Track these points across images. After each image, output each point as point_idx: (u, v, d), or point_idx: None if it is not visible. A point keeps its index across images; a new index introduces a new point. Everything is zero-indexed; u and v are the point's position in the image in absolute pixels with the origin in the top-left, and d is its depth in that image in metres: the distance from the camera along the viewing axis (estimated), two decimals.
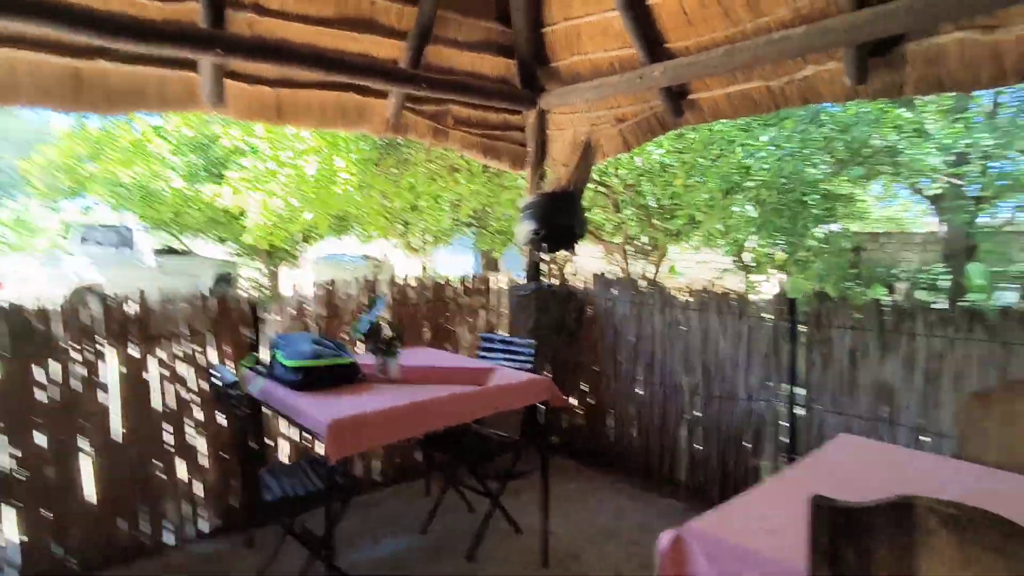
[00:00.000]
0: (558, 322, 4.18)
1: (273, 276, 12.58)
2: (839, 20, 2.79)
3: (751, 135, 5.63)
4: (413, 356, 3.07)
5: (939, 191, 7.99)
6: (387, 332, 2.72)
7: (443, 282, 4.12)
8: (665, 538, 1.32)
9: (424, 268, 16.12)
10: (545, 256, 4.62)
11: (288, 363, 2.52)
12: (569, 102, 4.12)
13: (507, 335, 4.12)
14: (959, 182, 6.21)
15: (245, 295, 3.21)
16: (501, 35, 4.03)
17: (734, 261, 9.05)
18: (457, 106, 4.26)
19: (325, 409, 2.21)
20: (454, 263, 22.09)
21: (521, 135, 4.74)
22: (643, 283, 4.11)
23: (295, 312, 3.43)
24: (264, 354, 3.05)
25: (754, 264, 7.81)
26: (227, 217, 9.85)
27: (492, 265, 19.26)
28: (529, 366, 3.16)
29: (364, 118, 3.92)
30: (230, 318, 3.16)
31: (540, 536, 2.88)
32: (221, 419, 3.08)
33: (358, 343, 3.32)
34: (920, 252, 12.19)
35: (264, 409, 2.90)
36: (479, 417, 2.59)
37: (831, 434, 3.05)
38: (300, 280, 13.99)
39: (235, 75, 3.28)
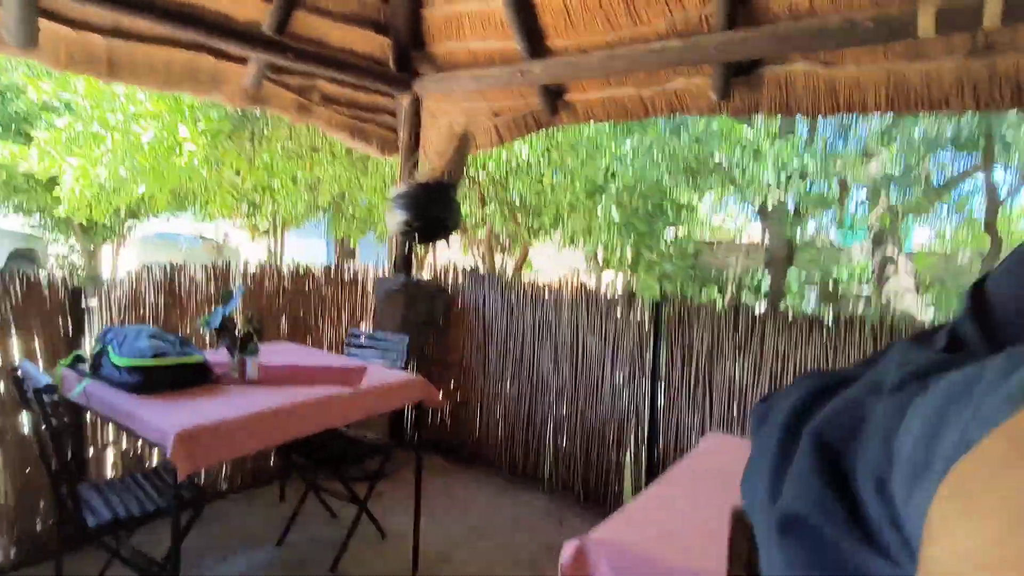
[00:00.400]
0: (427, 318, 4.05)
1: (91, 256, 10.99)
2: (712, 38, 2.95)
3: (616, 140, 5.90)
4: (273, 353, 2.79)
5: (767, 205, 9.00)
6: (244, 326, 2.43)
7: (304, 272, 3.81)
8: (567, 550, 1.28)
9: (271, 253, 15.04)
10: (416, 248, 4.46)
11: (122, 362, 2.15)
12: (446, 90, 4.00)
13: (373, 330, 3.92)
14: (785, 198, 7.02)
15: (61, 275, 2.70)
16: (376, 11, 3.80)
17: (587, 259, 9.48)
18: (325, 81, 3.96)
19: (170, 416, 1.92)
20: (305, 248, 20.88)
21: (391, 119, 4.53)
22: (508, 278, 4.12)
23: (126, 299, 2.96)
24: (88, 350, 2.60)
25: (604, 263, 8.23)
26: (32, 183, 8.39)
27: (348, 253, 18.48)
28: (401, 363, 3.01)
29: (218, 84, 3.50)
30: (41, 306, 2.64)
31: (411, 540, 2.76)
32: (26, 427, 2.57)
33: (209, 338, 2.95)
34: (744, 258, 13.71)
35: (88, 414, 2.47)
36: (351, 422, 2.41)
37: (688, 430, 3.26)
38: (125, 261, 12.37)
39: (53, 15, 2.75)
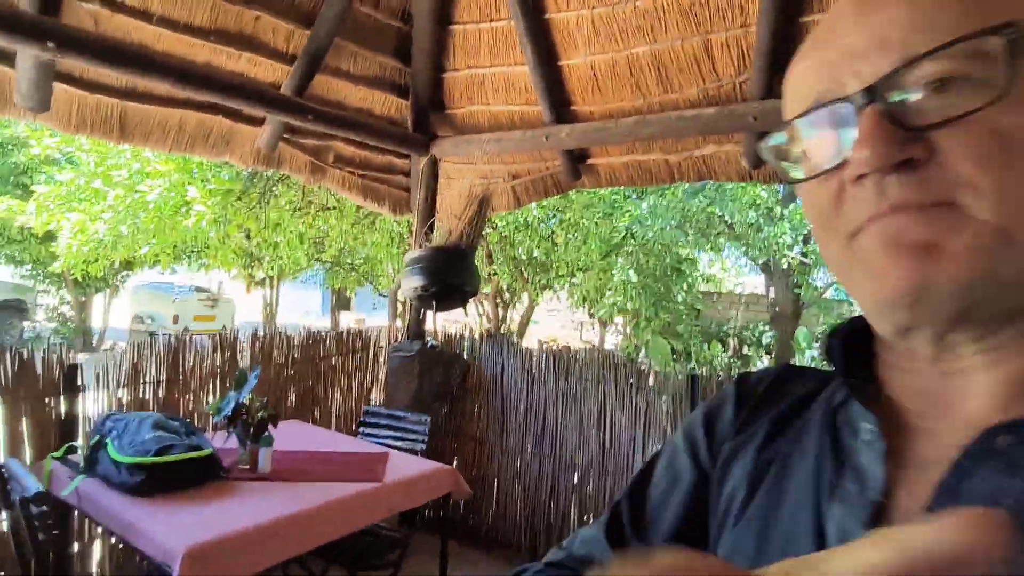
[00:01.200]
0: (441, 388, 3.84)
1: (82, 307, 10.72)
2: (750, 107, 2.86)
3: (632, 201, 5.83)
4: (283, 436, 2.56)
5: (771, 262, 8.95)
6: (256, 412, 2.22)
7: (315, 339, 3.61)
8: None
9: (266, 303, 14.81)
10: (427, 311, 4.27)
11: (123, 459, 1.92)
12: (465, 152, 3.90)
13: (385, 404, 3.70)
14: (803, 258, 6.95)
15: (56, 352, 2.49)
16: (397, 73, 3.72)
17: (590, 314, 9.29)
18: (340, 143, 3.85)
19: (176, 528, 1.68)
20: (300, 299, 20.64)
21: (405, 180, 4.42)
22: (524, 344, 3.93)
23: (124, 375, 2.74)
24: (83, 439, 2.36)
25: (607, 319, 8.05)
26: (26, 235, 8.20)
27: (343, 303, 18.28)
28: (422, 447, 2.78)
29: (231, 146, 3.37)
30: (33, 385, 2.42)
31: None
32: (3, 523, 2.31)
33: (213, 420, 2.72)
34: (745, 311, 13.59)
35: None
36: (376, 521, 2.17)
37: None
38: (117, 312, 12.08)
39: (69, 78, 2.63)
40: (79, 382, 2.55)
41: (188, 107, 3.06)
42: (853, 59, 0.38)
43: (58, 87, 2.60)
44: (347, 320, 18.67)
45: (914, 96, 0.36)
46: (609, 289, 5.77)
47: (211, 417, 2.73)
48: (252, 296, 15.20)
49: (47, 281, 10.28)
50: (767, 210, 5.80)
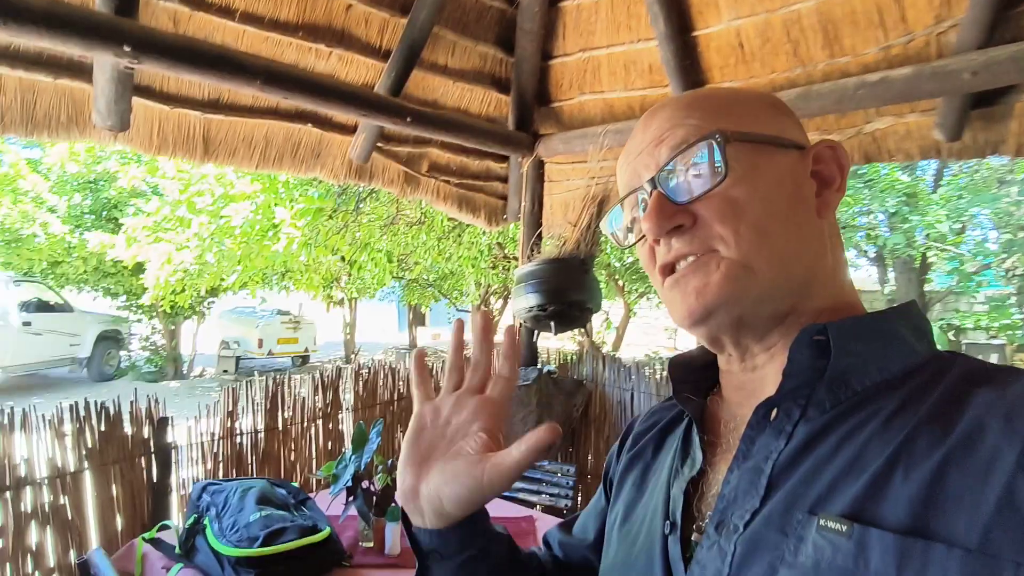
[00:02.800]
0: (563, 420, 3.34)
1: (172, 335, 10.93)
2: (961, 61, 2.23)
3: None
4: None
5: (883, 251, 7.98)
6: (381, 478, 1.78)
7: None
8: None
9: (346, 322, 14.84)
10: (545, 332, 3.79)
11: (226, 551, 1.52)
12: (575, 149, 3.40)
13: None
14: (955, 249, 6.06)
15: (145, 406, 2.14)
16: (497, 64, 3.28)
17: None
18: (436, 148, 3.45)
19: None
20: (376, 316, 20.78)
21: (501, 187, 3.99)
22: (655, 367, 3.38)
23: (218, 428, 2.39)
24: (177, 515, 2.01)
25: None
26: (119, 267, 8.34)
27: (419, 318, 18.21)
28: (567, 502, 2.29)
29: (321, 159, 3.03)
30: (123, 446, 2.09)
31: None
32: None
33: (321, 479, 2.32)
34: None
35: None
36: None
37: None
38: (205, 338, 12.32)
39: (149, 92, 2.33)
40: (170, 439, 2.20)
41: (275, 117, 2.73)
42: (642, 160, 0.57)
43: (137, 103, 2.29)
44: (424, 335, 18.58)
45: (677, 181, 0.54)
46: None
47: (316, 474, 2.34)
48: (332, 316, 15.32)
49: (140, 311, 10.54)
50: (906, 196, 5.02)
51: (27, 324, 9.28)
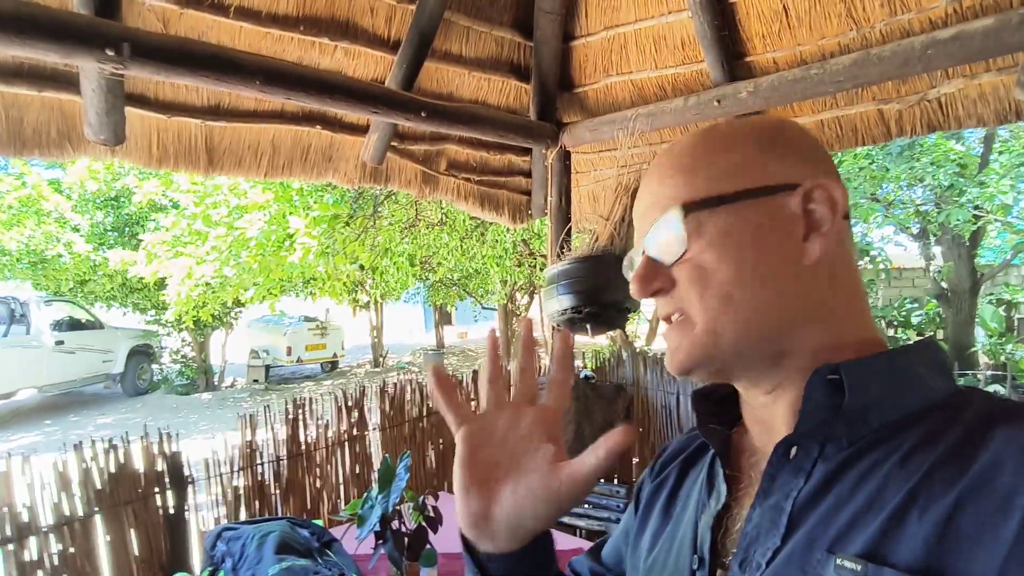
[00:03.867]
0: (604, 429, 3.10)
1: (201, 347, 10.96)
2: None
3: None
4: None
5: (927, 226, 7.53)
6: (414, 516, 1.59)
7: (455, 381, 2.98)
8: None
9: (372, 326, 14.79)
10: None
11: None
12: (604, 136, 3.16)
13: None
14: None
15: (157, 441, 1.97)
16: (515, 49, 3.05)
17: None
18: (454, 145, 3.24)
19: None
20: (402, 317, 20.74)
21: (524, 182, 3.76)
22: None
23: (238, 458, 2.21)
24: (196, 556, 1.84)
25: None
26: (143, 283, 8.34)
27: (445, 318, 18.10)
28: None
29: (333, 163, 2.85)
30: (134, 487, 1.93)
31: None
32: None
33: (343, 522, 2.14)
34: (885, 288, 11.91)
35: None
36: None
37: None
38: (233, 347, 12.36)
39: (142, 100, 2.16)
40: (187, 473, 2.03)
41: (281, 120, 2.54)
42: (639, 220, 0.61)
43: (132, 113, 2.13)
44: (450, 335, 18.48)
45: (656, 248, 0.57)
46: None
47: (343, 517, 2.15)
48: (358, 319, 15.29)
49: (168, 325, 10.58)
50: (960, 167, 4.65)
51: (60, 343, 9.36)
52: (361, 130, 2.84)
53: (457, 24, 2.72)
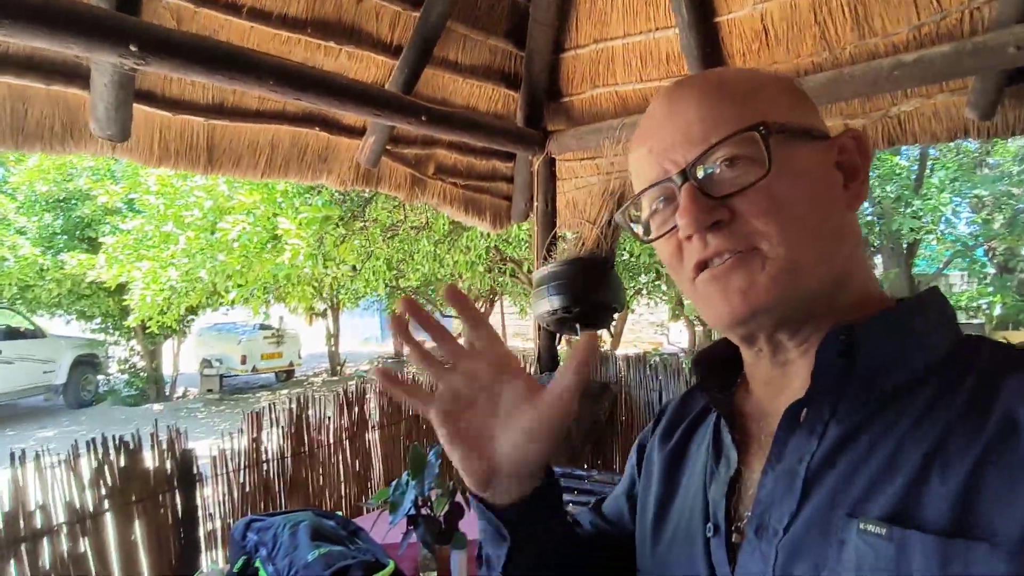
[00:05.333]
0: (589, 427, 3.22)
1: (152, 356, 10.56)
2: (1004, 35, 2.17)
3: None
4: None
5: (867, 236, 7.98)
6: (441, 503, 1.65)
7: None
8: None
9: (329, 333, 14.55)
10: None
11: None
12: (588, 145, 3.29)
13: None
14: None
15: (168, 436, 1.97)
16: (507, 59, 3.16)
17: (674, 316, 8.60)
18: (443, 150, 3.32)
19: None
20: (358, 326, 20.44)
21: (507, 187, 3.86)
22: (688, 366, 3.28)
23: (244, 457, 2.21)
24: (204, 554, 1.84)
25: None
26: (96, 289, 8.00)
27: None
28: None
29: (328, 164, 2.88)
30: (144, 482, 1.91)
31: None
32: None
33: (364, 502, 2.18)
34: None
35: None
36: None
37: None
38: (186, 357, 11.94)
39: (150, 97, 2.16)
40: (195, 470, 2.03)
41: (282, 121, 2.57)
42: (669, 150, 0.53)
43: (137, 110, 2.12)
44: None
45: (713, 174, 0.51)
46: None
47: (368, 503, 2.18)
48: (314, 328, 15.00)
49: (118, 333, 10.14)
50: (908, 181, 5.00)
51: None
52: (357, 132, 2.88)
53: (456, 32, 2.80)
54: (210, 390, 11.45)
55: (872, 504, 0.43)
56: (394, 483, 1.66)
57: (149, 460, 1.92)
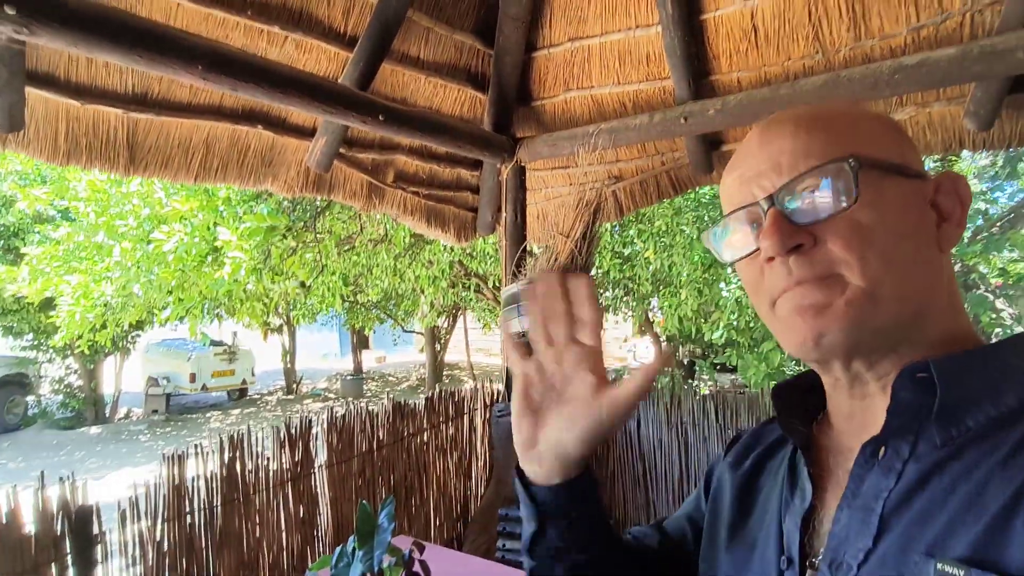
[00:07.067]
0: None
1: (91, 375, 9.87)
2: (1011, 39, 2.02)
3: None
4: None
5: None
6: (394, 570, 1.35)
7: (403, 410, 2.74)
8: None
9: (285, 350, 13.97)
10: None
11: None
12: (562, 152, 3.05)
13: (494, 484, 2.81)
14: None
15: (60, 493, 1.60)
16: (474, 57, 2.90)
17: (642, 328, 8.49)
18: (403, 155, 3.03)
19: None
20: (317, 341, 19.79)
21: (471, 198, 3.60)
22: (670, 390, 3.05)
23: (163, 506, 1.86)
24: None
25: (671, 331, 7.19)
26: (22, 303, 7.38)
27: (363, 342, 17.44)
28: None
29: (273, 168, 2.57)
30: (21, 550, 1.55)
31: None
32: None
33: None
34: None
35: None
36: None
37: None
38: (130, 376, 11.22)
39: (50, 81, 1.82)
40: (95, 530, 1.68)
41: (218, 117, 2.25)
42: (759, 177, 0.54)
43: (36, 97, 1.79)
44: (368, 359, 17.77)
45: (799, 201, 0.52)
46: (718, 306, 4.83)
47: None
48: (269, 344, 14.38)
49: (51, 351, 9.44)
50: None
51: None
52: (307, 133, 2.58)
53: (418, 24, 2.53)
54: (155, 410, 10.77)
55: (952, 545, 0.43)
56: (338, 551, 1.35)
57: (31, 521, 1.56)
